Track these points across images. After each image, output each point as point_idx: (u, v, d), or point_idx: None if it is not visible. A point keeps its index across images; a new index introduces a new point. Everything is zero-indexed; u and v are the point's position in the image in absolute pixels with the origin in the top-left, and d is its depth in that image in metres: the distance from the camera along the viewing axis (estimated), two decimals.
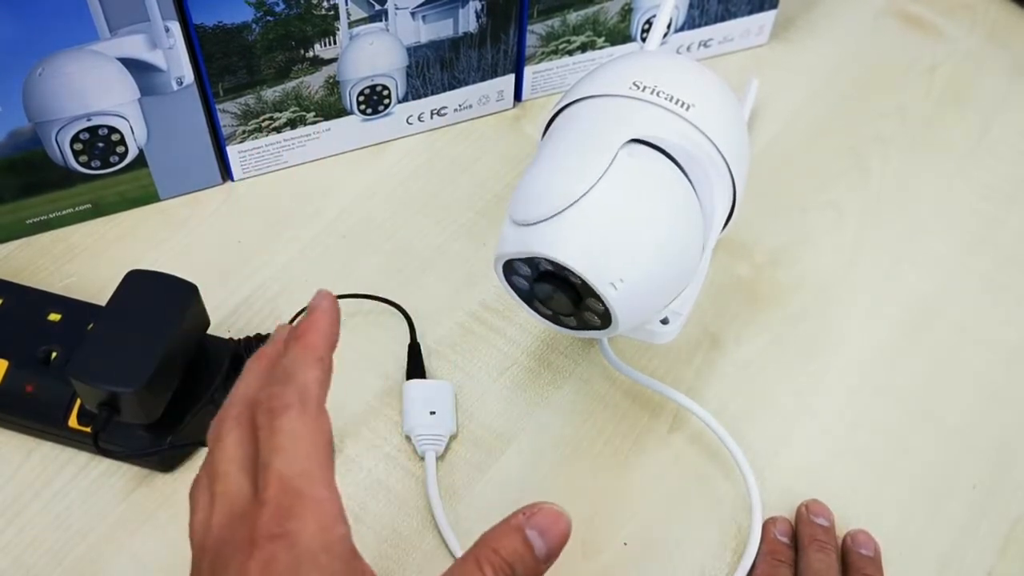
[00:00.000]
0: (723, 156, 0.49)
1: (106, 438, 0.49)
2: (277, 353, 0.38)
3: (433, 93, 0.66)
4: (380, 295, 0.58)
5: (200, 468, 0.37)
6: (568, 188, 0.44)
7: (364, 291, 0.58)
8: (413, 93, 0.66)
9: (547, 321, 0.49)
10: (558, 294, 0.45)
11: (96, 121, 0.57)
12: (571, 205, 0.44)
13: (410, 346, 0.57)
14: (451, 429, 0.53)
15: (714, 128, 0.48)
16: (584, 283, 0.44)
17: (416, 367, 0.56)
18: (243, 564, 0.32)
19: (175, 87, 0.58)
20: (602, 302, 0.44)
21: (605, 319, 0.46)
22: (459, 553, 0.50)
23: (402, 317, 0.57)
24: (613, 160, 0.45)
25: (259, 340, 0.55)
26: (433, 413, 0.53)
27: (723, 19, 0.71)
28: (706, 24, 0.71)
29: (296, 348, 0.37)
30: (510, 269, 0.47)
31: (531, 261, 0.45)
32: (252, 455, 0.35)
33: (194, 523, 0.35)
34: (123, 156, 0.60)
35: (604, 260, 0.44)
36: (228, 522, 0.34)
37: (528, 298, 0.48)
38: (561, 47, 0.68)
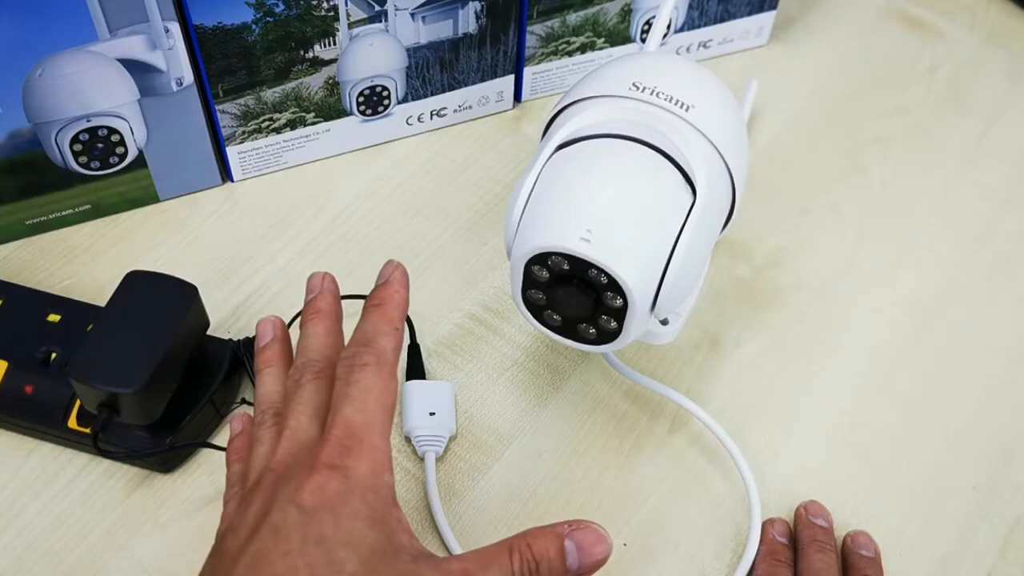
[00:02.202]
0: (723, 157, 0.49)
1: (106, 439, 0.49)
2: (334, 310, 0.45)
3: (433, 94, 0.66)
4: None
5: (262, 412, 0.43)
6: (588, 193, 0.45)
7: (364, 292, 0.58)
8: (413, 94, 0.66)
9: (556, 335, 0.48)
10: (578, 297, 0.45)
11: (96, 122, 0.57)
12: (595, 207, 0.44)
13: (409, 347, 0.57)
14: (451, 430, 0.53)
15: (714, 129, 0.48)
16: (602, 278, 0.44)
17: (416, 368, 0.56)
18: (301, 483, 0.36)
19: (175, 88, 0.58)
20: (620, 296, 0.44)
21: (620, 317, 0.45)
22: (459, 553, 0.50)
23: None
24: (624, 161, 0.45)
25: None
26: (433, 414, 0.53)
27: (722, 20, 0.72)
28: (706, 25, 0.71)
29: (375, 316, 0.42)
30: (528, 280, 0.46)
31: (547, 263, 0.45)
32: (323, 405, 0.40)
33: (258, 453, 0.41)
34: (123, 157, 0.60)
35: (627, 253, 0.44)
36: (295, 450, 0.39)
37: (542, 308, 0.48)
38: (561, 48, 0.68)
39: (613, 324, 0.46)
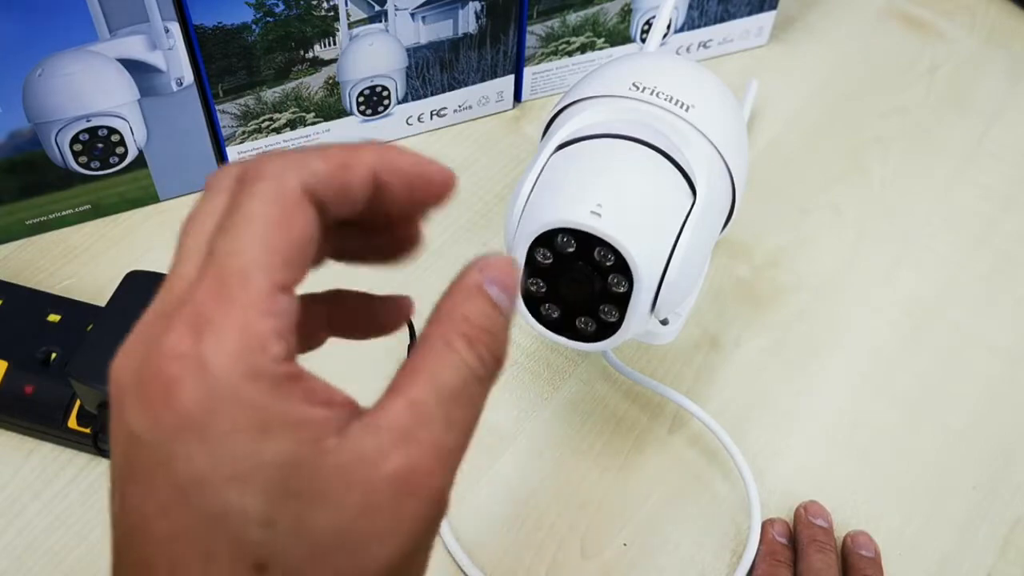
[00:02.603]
0: (723, 157, 0.49)
1: (105, 439, 0.49)
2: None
3: (433, 94, 0.66)
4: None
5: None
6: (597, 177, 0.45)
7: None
8: (413, 94, 0.66)
9: (551, 332, 0.48)
10: (581, 282, 0.45)
11: (96, 122, 0.57)
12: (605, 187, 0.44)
13: (410, 347, 0.57)
14: None
15: (714, 129, 0.48)
16: (608, 259, 0.44)
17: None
18: (142, 392, 0.23)
19: (175, 88, 0.58)
20: (625, 280, 0.44)
21: (623, 306, 0.45)
22: (459, 553, 0.50)
23: None
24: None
25: None
26: None
27: (722, 20, 0.72)
28: (705, 25, 0.71)
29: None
30: (528, 267, 0.46)
31: (552, 244, 0.45)
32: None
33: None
34: (123, 157, 0.60)
35: (636, 230, 0.44)
36: (154, 320, 0.25)
37: (540, 301, 0.47)
38: (561, 48, 0.68)
39: (614, 316, 0.45)
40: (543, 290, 0.46)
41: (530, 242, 0.45)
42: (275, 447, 0.23)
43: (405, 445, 0.24)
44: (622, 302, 0.45)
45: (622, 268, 0.44)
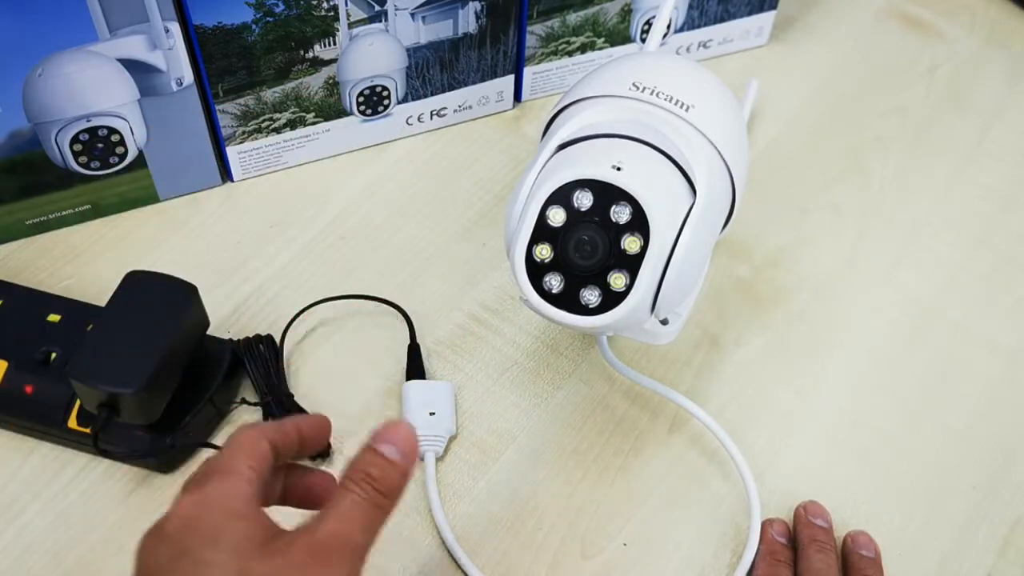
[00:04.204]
0: (723, 157, 0.49)
1: (106, 439, 0.49)
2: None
3: (433, 94, 0.66)
4: (379, 296, 0.58)
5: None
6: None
7: (364, 292, 0.58)
8: (413, 94, 0.66)
9: (551, 307, 0.46)
10: (594, 240, 0.44)
11: (96, 122, 0.57)
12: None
13: (409, 347, 0.57)
14: (451, 430, 0.53)
15: (714, 129, 0.48)
16: (625, 215, 0.44)
17: (415, 368, 0.56)
18: (163, 519, 0.38)
19: (175, 88, 0.58)
20: (641, 237, 0.44)
21: (634, 269, 0.44)
22: (459, 553, 0.50)
23: (402, 318, 0.57)
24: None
25: (258, 341, 0.55)
26: (433, 414, 0.53)
27: (722, 20, 0.71)
28: (705, 25, 0.71)
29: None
30: (537, 231, 0.46)
31: (567, 203, 0.45)
32: None
33: None
34: (123, 157, 0.60)
35: (654, 187, 0.44)
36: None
37: (544, 271, 0.46)
38: (561, 48, 0.68)
39: (623, 281, 0.44)
40: (549, 258, 0.45)
41: (546, 197, 0.45)
42: (243, 528, 0.36)
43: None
44: (634, 265, 0.44)
45: (638, 226, 0.44)
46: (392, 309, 0.58)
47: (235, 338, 0.55)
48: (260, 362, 0.55)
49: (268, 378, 0.54)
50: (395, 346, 0.57)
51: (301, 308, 0.57)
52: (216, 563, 0.35)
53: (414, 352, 0.56)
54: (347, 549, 0.36)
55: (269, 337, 0.56)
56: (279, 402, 0.53)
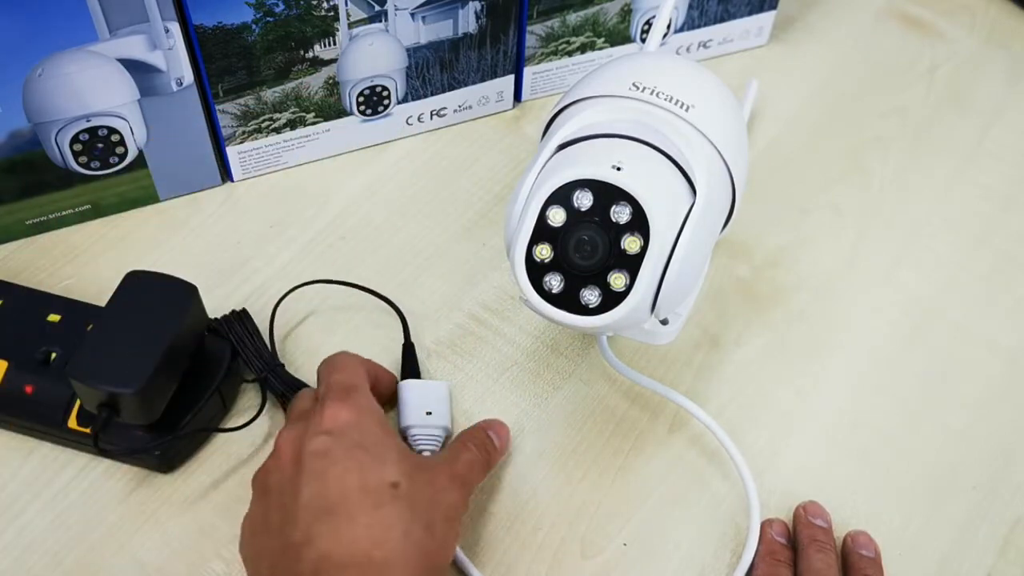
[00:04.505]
0: (723, 157, 0.49)
1: (106, 439, 0.49)
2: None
3: (433, 94, 0.66)
4: (377, 292, 0.58)
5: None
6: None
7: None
8: (413, 94, 0.66)
9: (551, 306, 0.46)
10: (594, 240, 0.44)
11: (96, 122, 0.57)
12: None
13: (404, 346, 0.57)
14: (447, 428, 0.53)
15: (714, 129, 0.48)
16: (625, 215, 0.44)
17: (411, 367, 0.56)
18: (319, 419, 0.45)
19: (175, 88, 0.58)
20: (641, 237, 0.44)
21: (634, 268, 0.44)
22: (459, 553, 0.50)
23: (397, 317, 0.57)
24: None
25: (236, 318, 0.56)
26: (429, 413, 0.53)
27: (722, 20, 0.72)
28: (705, 25, 0.71)
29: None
30: (537, 231, 0.46)
31: (567, 202, 0.45)
32: None
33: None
34: (123, 157, 0.60)
35: (654, 187, 0.45)
36: (299, 416, 0.48)
37: (544, 271, 0.46)
38: (561, 48, 0.68)
39: (623, 281, 0.44)
40: (549, 258, 0.45)
41: (546, 197, 0.45)
42: (396, 440, 0.47)
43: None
44: (634, 265, 0.44)
45: (638, 226, 0.44)
46: (388, 307, 0.58)
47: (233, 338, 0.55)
48: (246, 338, 0.55)
49: (257, 351, 0.54)
50: (394, 345, 0.57)
51: (290, 288, 0.58)
52: (390, 460, 0.44)
53: (408, 351, 0.56)
54: (470, 482, 0.48)
55: (243, 311, 0.56)
56: (275, 374, 0.54)
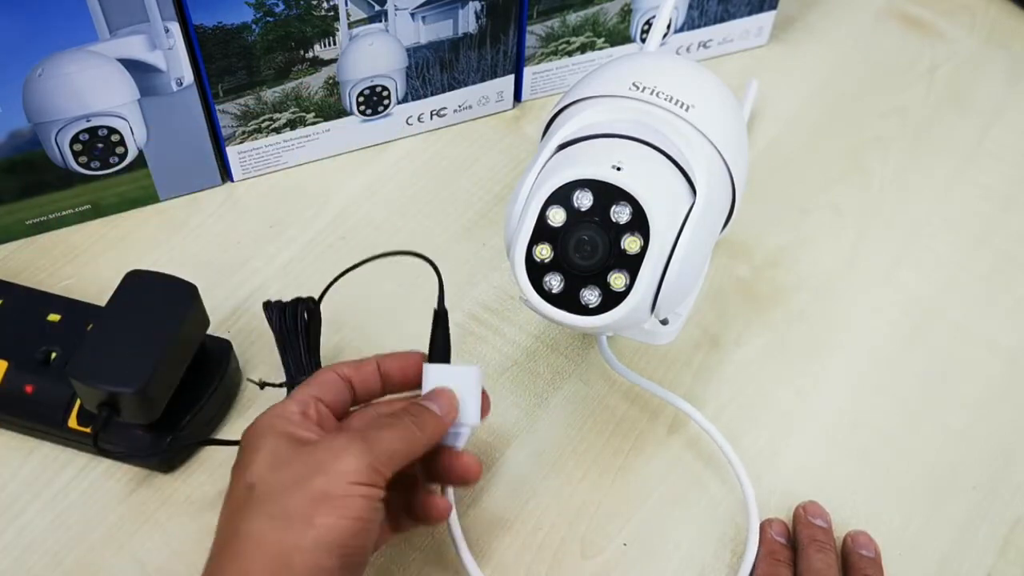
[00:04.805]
0: (723, 157, 0.49)
1: (106, 438, 0.49)
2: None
3: (433, 94, 0.66)
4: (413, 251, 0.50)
5: None
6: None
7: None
8: (413, 94, 0.66)
9: (551, 306, 0.46)
10: (594, 240, 0.44)
11: (96, 122, 0.57)
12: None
13: (436, 314, 0.47)
14: (474, 420, 0.46)
15: (714, 129, 0.48)
16: (625, 215, 0.44)
17: (440, 345, 0.47)
18: None
19: (175, 88, 0.58)
20: (641, 236, 0.44)
21: (633, 269, 0.44)
22: (459, 553, 0.50)
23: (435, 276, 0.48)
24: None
25: (302, 308, 0.52)
26: None
27: (722, 20, 0.72)
28: (705, 25, 0.71)
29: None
30: (537, 231, 0.45)
31: (567, 202, 0.45)
32: None
33: None
34: (123, 157, 0.60)
35: (654, 187, 0.44)
36: None
37: (544, 271, 0.46)
38: (561, 48, 0.68)
39: (623, 281, 0.44)
40: (549, 258, 0.45)
41: (546, 197, 0.45)
42: (275, 442, 0.43)
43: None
44: (634, 265, 0.44)
45: (638, 225, 0.44)
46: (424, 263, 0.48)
47: (235, 338, 0.55)
48: (294, 337, 0.52)
49: (298, 357, 0.52)
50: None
51: (337, 274, 0.50)
52: (253, 462, 0.42)
53: (440, 321, 0.47)
54: (378, 451, 0.42)
55: (314, 304, 0.52)
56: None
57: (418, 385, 0.47)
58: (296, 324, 0.52)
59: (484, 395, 0.47)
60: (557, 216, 0.45)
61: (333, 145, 0.66)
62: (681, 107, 0.48)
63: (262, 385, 0.53)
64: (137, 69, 0.56)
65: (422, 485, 0.47)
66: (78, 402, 0.51)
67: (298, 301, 0.53)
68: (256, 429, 0.43)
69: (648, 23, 0.69)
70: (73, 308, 0.54)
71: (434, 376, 0.47)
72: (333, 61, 0.61)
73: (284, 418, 0.43)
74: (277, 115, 0.62)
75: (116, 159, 0.60)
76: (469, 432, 0.47)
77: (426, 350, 0.48)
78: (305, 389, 0.45)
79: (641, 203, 0.44)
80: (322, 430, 0.44)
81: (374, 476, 0.41)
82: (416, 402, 0.45)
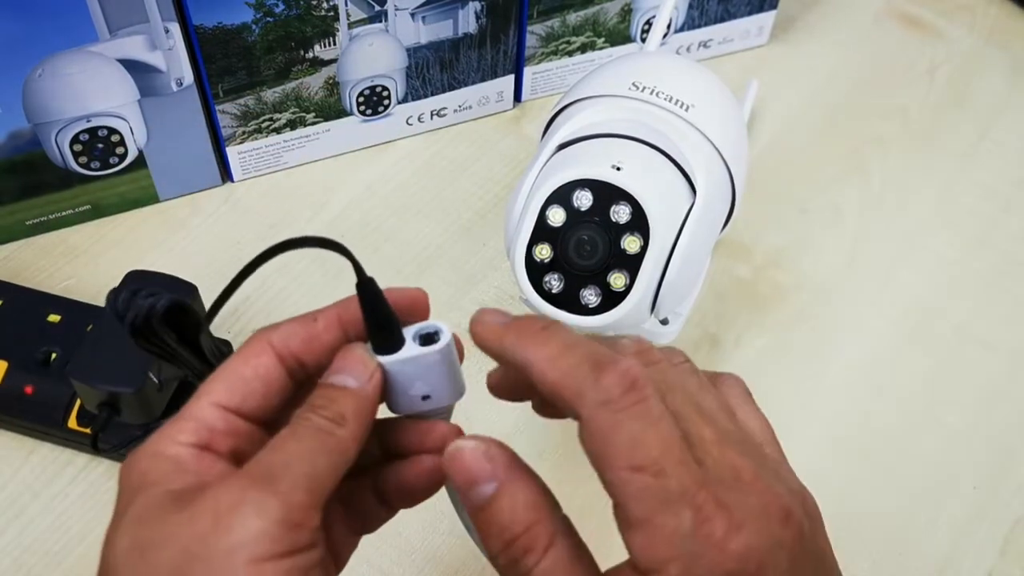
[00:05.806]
0: (723, 157, 0.49)
1: (106, 439, 0.49)
2: None
3: (433, 94, 0.66)
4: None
5: None
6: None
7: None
8: (413, 94, 0.66)
9: (551, 306, 0.46)
10: (594, 240, 0.44)
11: (96, 122, 0.57)
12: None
13: (359, 286, 0.37)
14: (458, 394, 0.40)
15: (714, 129, 0.48)
16: (624, 215, 0.44)
17: (383, 332, 0.36)
18: None
19: (175, 88, 0.58)
20: (641, 237, 0.44)
21: (633, 269, 0.44)
22: (458, 553, 0.50)
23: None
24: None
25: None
26: (427, 397, 0.38)
27: (723, 20, 0.71)
28: (706, 25, 0.71)
29: None
30: (537, 231, 0.45)
31: (566, 202, 0.45)
32: None
33: None
34: (123, 157, 0.60)
35: (653, 188, 0.44)
36: None
37: (544, 271, 0.46)
38: (561, 48, 0.68)
39: (623, 281, 0.45)
40: (549, 258, 0.45)
41: (546, 197, 0.45)
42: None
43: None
44: (633, 265, 0.45)
45: (638, 225, 0.44)
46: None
47: (235, 338, 0.55)
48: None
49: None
50: None
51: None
52: (127, 509, 0.29)
53: (368, 294, 0.36)
54: (281, 491, 0.28)
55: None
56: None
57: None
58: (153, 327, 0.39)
59: (459, 348, 0.36)
60: (557, 216, 0.45)
61: (333, 145, 0.66)
62: (681, 107, 0.48)
63: None
64: (137, 69, 0.56)
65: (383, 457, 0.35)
66: (78, 402, 0.51)
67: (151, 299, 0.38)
68: (128, 476, 0.30)
69: (648, 23, 0.69)
70: (73, 308, 0.54)
71: (391, 369, 0.36)
72: (333, 61, 0.61)
73: (162, 457, 0.30)
74: (277, 115, 0.62)
75: (116, 159, 0.60)
76: (452, 408, 0.40)
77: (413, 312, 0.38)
78: (205, 396, 0.32)
79: (641, 203, 0.44)
80: (231, 463, 0.31)
81: (291, 536, 0.27)
82: (320, 384, 0.32)
